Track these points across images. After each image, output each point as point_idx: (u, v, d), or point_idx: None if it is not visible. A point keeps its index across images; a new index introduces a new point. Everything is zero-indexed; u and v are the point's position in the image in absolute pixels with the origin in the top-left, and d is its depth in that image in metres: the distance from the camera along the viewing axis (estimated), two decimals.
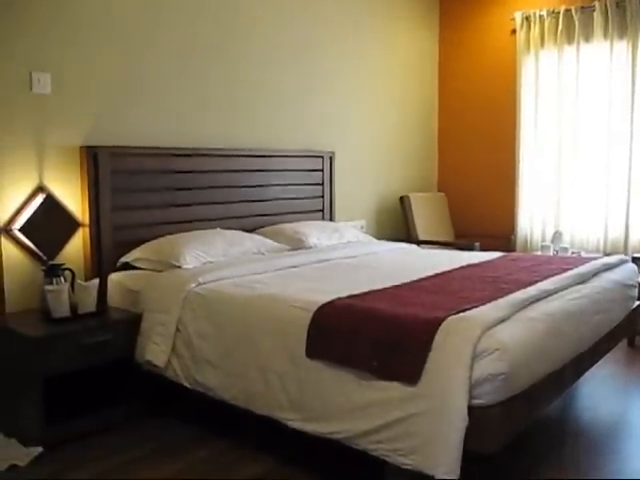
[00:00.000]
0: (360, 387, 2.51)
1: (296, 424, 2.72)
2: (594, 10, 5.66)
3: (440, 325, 2.41)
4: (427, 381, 2.34)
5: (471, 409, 2.26)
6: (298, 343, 2.71)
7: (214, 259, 3.75)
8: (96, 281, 3.47)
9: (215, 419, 3.34)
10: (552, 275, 3.35)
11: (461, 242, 5.75)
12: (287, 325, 2.80)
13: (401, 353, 2.41)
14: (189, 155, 4.21)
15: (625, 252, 5.46)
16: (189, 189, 4.23)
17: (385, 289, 3.05)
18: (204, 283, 3.31)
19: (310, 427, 2.67)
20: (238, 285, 3.27)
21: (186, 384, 3.20)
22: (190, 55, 4.30)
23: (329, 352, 2.62)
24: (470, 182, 6.63)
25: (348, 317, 2.64)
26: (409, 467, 2.35)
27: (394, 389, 2.41)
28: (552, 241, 5.68)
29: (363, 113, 5.88)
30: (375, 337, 2.50)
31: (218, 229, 4.18)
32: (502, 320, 2.49)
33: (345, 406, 2.55)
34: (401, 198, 6.04)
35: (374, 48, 5.96)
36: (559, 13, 5.85)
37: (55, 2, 3.56)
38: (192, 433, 3.26)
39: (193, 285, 3.30)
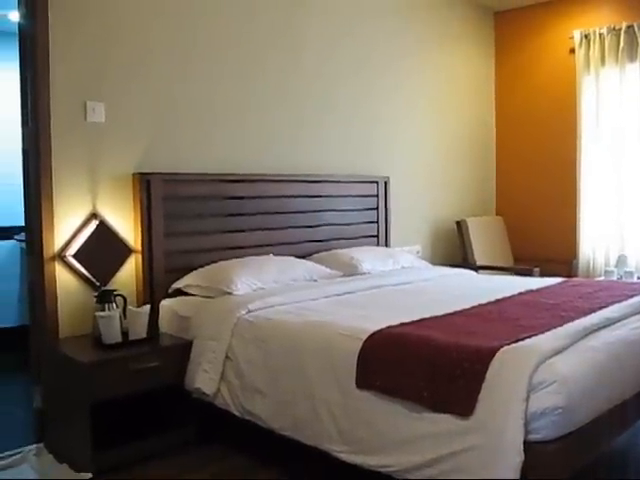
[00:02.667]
0: (410, 419, 2.42)
1: (345, 456, 2.64)
2: None
3: (495, 355, 2.31)
4: (480, 414, 2.24)
5: (527, 444, 2.15)
6: (347, 372, 2.65)
7: (265, 286, 3.72)
8: (147, 307, 3.47)
9: (266, 449, 3.28)
10: (614, 302, 3.21)
11: (520, 267, 5.60)
12: (336, 353, 2.74)
13: (453, 384, 2.32)
14: (241, 181, 4.21)
15: None
16: (241, 215, 4.22)
17: (438, 317, 2.96)
18: (254, 310, 3.29)
19: (359, 459, 2.59)
20: (288, 312, 3.23)
21: (235, 412, 3.16)
22: (242, 82, 4.32)
23: (379, 382, 2.54)
24: (529, 205, 6.47)
25: (398, 346, 2.56)
26: None
27: (446, 422, 2.32)
28: (616, 265, 5.49)
29: (418, 136, 5.80)
30: (427, 367, 2.42)
31: (270, 255, 4.16)
32: (560, 350, 2.38)
33: (395, 438, 2.46)
34: (458, 222, 5.93)
35: (429, 71, 5.90)
36: (620, 30, 5.68)
37: (107, 34, 3.62)
38: (241, 462, 3.21)
39: (243, 312, 3.27)
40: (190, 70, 4.03)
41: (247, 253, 4.14)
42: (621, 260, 5.48)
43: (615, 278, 5.25)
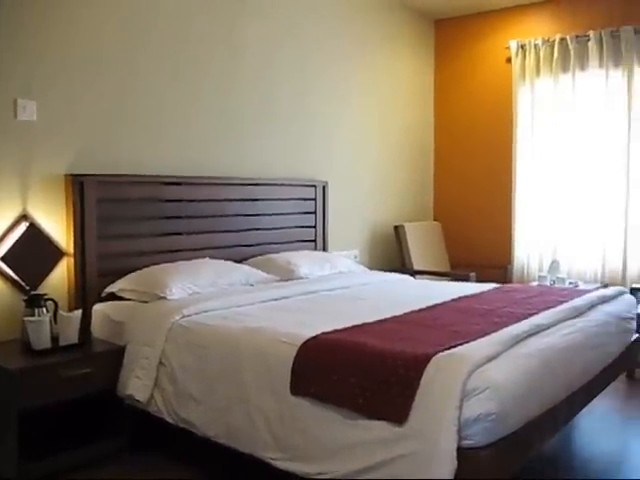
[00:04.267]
0: (345, 426, 2.41)
1: (280, 463, 2.61)
2: (589, 39, 5.66)
3: (429, 362, 2.32)
4: (414, 421, 2.24)
5: (461, 451, 2.16)
6: (282, 379, 2.62)
7: (201, 290, 3.67)
8: (79, 312, 3.38)
9: (201, 457, 3.22)
10: (547, 308, 3.27)
11: (456, 272, 5.67)
12: (271, 359, 2.71)
13: (387, 391, 2.32)
14: (178, 184, 4.14)
15: (623, 283, 5.37)
16: (178, 218, 4.15)
17: (373, 323, 2.96)
18: (189, 315, 3.23)
19: (294, 467, 2.56)
20: (223, 317, 3.19)
21: (169, 420, 3.10)
22: (179, 83, 4.25)
23: (313, 389, 2.53)
24: (466, 211, 6.57)
25: (333, 352, 2.55)
26: None
27: (380, 429, 2.31)
28: (549, 271, 5.61)
29: (356, 142, 5.82)
30: (361, 374, 2.41)
31: (207, 259, 4.10)
32: (493, 357, 2.40)
33: (330, 445, 2.45)
34: (395, 227, 5.97)
35: (368, 76, 5.92)
36: (554, 42, 5.84)
37: (42, 30, 3.52)
38: (176, 472, 3.14)
39: (177, 317, 3.21)
40: (127, 70, 3.94)
41: (184, 257, 4.07)
42: (553, 266, 5.61)
43: (548, 283, 5.37)
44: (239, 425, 2.77)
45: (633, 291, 4.78)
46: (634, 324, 3.83)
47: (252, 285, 3.98)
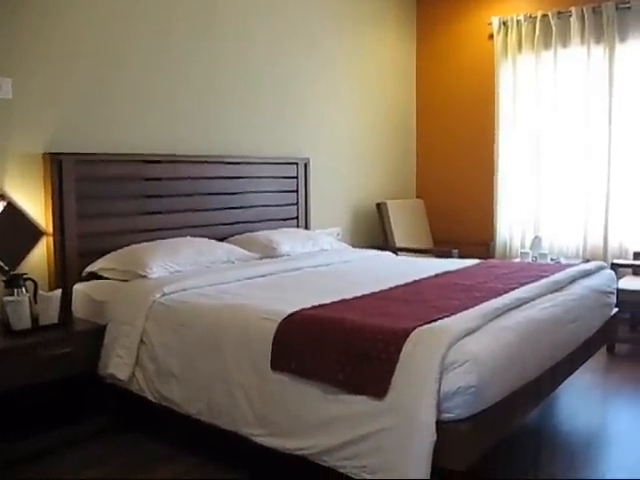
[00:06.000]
0: (326, 401, 2.42)
1: (262, 439, 2.62)
2: (570, 15, 5.64)
3: (408, 336, 2.33)
4: (394, 395, 2.25)
5: (440, 424, 2.18)
6: (263, 355, 2.62)
7: (182, 268, 3.65)
8: (59, 291, 3.36)
9: (185, 435, 3.22)
10: (527, 283, 3.28)
11: (439, 249, 5.67)
12: (252, 336, 2.71)
13: (367, 365, 2.32)
14: (159, 162, 4.11)
15: (605, 259, 5.41)
16: (159, 196, 4.13)
17: (354, 298, 2.96)
18: (169, 293, 3.22)
19: (276, 443, 2.57)
20: (204, 295, 3.18)
21: (151, 398, 3.10)
22: (161, 60, 4.20)
23: (294, 364, 2.53)
24: (449, 188, 6.57)
25: (313, 328, 2.55)
26: None
27: (360, 403, 2.32)
28: (531, 247, 5.62)
29: (339, 119, 5.79)
30: (341, 349, 2.41)
31: (188, 237, 4.08)
32: (472, 331, 2.41)
33: (311, 421, 2.46)
34: (378, 205, 5.96)
35: (350, 54, 5.88)
36: (536, 18, 5.82)
37: (17, 7, 3.45)
38: (159, 450, 3.14)
39: (158, 295, 3.20)
40: (107, 48, 3.89)
41: (164, 235, 4.05)
42: (536, 242, 5.62)
43: (530, 259, 5.39)
44: (220, 402, 2.77)
45: (614, 266, 4.82)
46: (614, 298, 3.85)
47: (233, 263, 3.97)
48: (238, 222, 4.65)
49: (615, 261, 5.09)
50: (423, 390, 2.18)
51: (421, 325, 2.40)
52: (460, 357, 2.21)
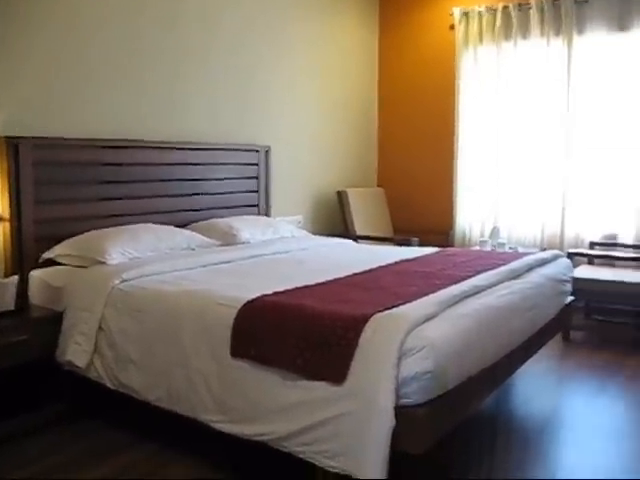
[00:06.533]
0: (285, 387, 2.43)
1: (221, 425, 2.63)
2: (530, 8, 5.71)
3: (367, 322, 2.34)
4: (353, 380, 2.27)
5: (398, 409, 2.20)
6: (222, 341, 2.62)
7: (142, 255, 3.62)
8: (15, 277, 3.31)
9: (144, 422, 3.20)
10: (485, 271, 3.33)
11: (399, 237, 5.71)
12: (211, 322, 2.71)
13: (326, 351, 2.33)
14: (120, 147, 4.06)
15: (561, 248, 5.50)
16: (119, 182, 4.07)
17: (314, 285, 2.97)
18: (128, 280, 3.20)
19: (236, 429, 2.58)
20: (163, 281, 3.16)
21: (109, 385, 3.08)
22: (126, 45, 4.15)
23: (253, 351, 2.53)
24: (409, 177, 6.61)
25: (272, 314, 2.56)
26: (336, 470, 2.29)
27: (319, 389, 2.34)
28: (490, 237, 5.70)
29: (301, 107, 5.79)
30: (300, 335, 2.42)
31: (149, 224, 4.04)
32: (430, 317, 2.44)
33: (270, 407, 2.47)
34: (339, 193, 5.98)
35: (312, 42, 5.87)
36: (497, 10, 5.88)
37: None
38: (118, 437, 3.13)
39: (117, 282, 3.18)
40: (65, 29, 3.81)
41: (125, 222, 4.01)
42: (494, 232, 5.70)
43: (489, 248, 5.46)
44: (179, 388, 2.77)
45: (570, 255, 4.91)
46: (569, 286, 3.93)
47: (193, 249, 3.95)
48: (199, 209, 4.63)
49: (571, 250, 5.20)
50: (382, 375, 2.21)
51: (380, 311, 2.42)
52: (418, 343, 2.24)
